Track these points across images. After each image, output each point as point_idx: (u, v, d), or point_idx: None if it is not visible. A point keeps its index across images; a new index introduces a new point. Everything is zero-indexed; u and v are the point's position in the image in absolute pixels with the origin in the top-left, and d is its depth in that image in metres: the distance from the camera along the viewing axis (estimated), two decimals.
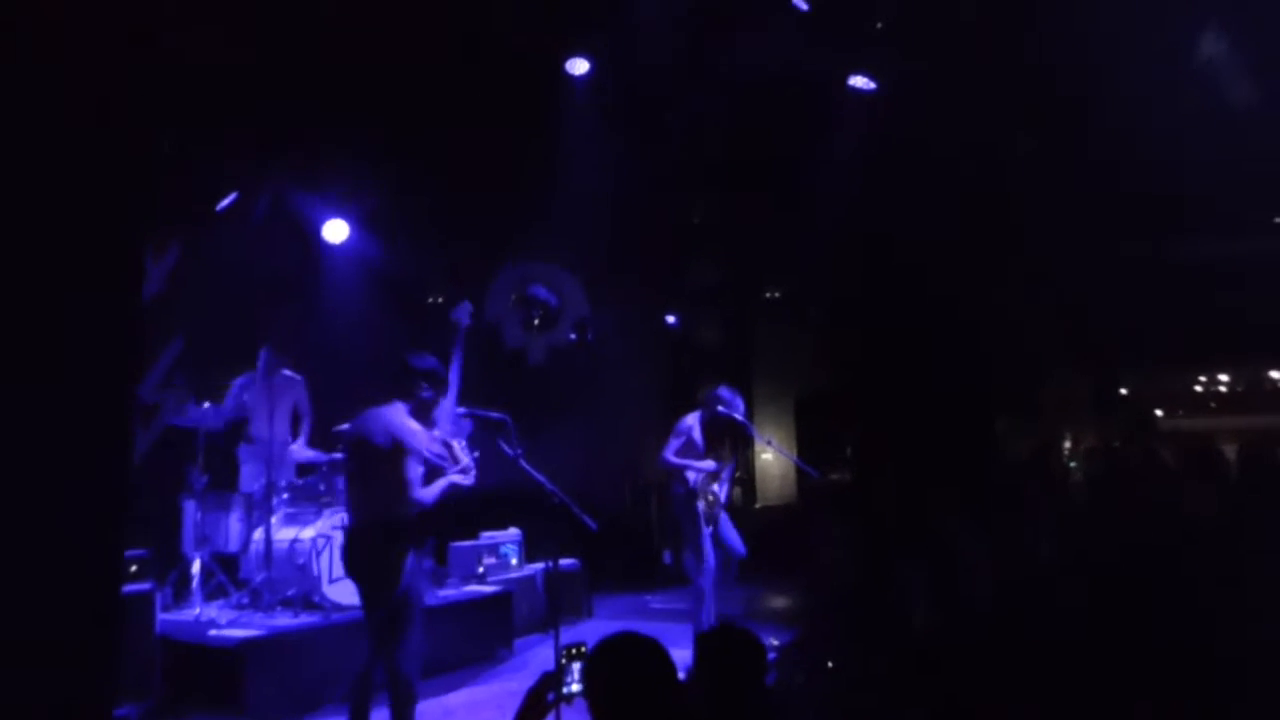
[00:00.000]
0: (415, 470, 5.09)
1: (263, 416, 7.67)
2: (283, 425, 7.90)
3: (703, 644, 3.06)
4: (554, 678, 3.16)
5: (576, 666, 3.14)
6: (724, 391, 7.58)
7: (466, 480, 5.24)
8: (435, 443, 5.16)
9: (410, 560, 5.02)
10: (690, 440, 7.58)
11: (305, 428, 8.12)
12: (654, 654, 2.77)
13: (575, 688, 3.11)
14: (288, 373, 8.02)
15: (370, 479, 5.06)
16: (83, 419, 3.60)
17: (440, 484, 5.16)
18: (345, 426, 7.38)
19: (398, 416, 5.11)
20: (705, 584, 7.31)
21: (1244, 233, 10.95)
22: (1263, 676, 3.85)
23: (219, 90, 7.61)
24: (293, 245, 9.12)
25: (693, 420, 7.65)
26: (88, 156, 3.65)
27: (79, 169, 3.60)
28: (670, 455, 7.55)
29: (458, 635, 7.37)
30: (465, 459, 5.23)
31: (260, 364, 7.86)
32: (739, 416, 7.77)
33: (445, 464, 5.18)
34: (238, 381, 7.88)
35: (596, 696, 2.77)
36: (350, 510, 5.25)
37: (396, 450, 5.02)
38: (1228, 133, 8.84)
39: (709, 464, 7.54)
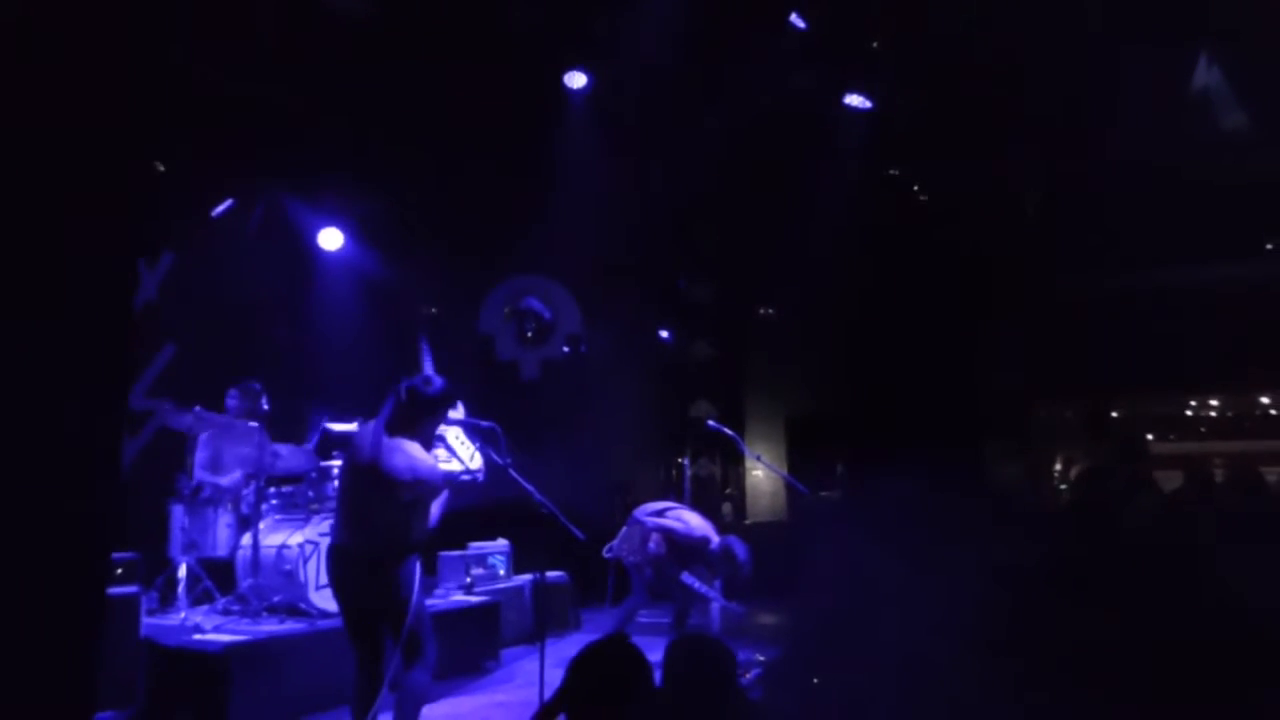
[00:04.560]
0: (437, 505, 5.07)
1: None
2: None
3: (670, 652, 3.13)
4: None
5: None
6: None
7: (476, 476, 5.16)
8: (444, 465, 5.06)
9: (420, 573, 4.99)
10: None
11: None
12: (633, 659, 2.81)
13: None
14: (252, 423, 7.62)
15: (388, 510, 4.89)
16: (73, 420, 3.60)
17: (441, 503, 5.12)
18: (340, 431, 7.37)
19: (420, 456, 4.94)
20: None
21: (1235, 257, 11.02)
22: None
23: (215, 99, 7.65)
24: (286, 255, 9.14)
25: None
26: (82, 159, 3.65)
27: (73, 171, 3.60)
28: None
29: (444, 645, 7.35)
30: (468, 450, 5.15)
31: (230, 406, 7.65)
32: (729, 432, 7.81)
33: (455, 475, 5.12)
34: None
35: (574, 696, 2.82)
36: (356, 532, 4.99)
37: (423, 488, 4.93)
38: (1218, 159, 8.92)
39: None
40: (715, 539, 7.17)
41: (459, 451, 5.11)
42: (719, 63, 9.01)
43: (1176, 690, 4.15)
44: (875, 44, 9.20)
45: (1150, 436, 13.98)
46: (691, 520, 7.25)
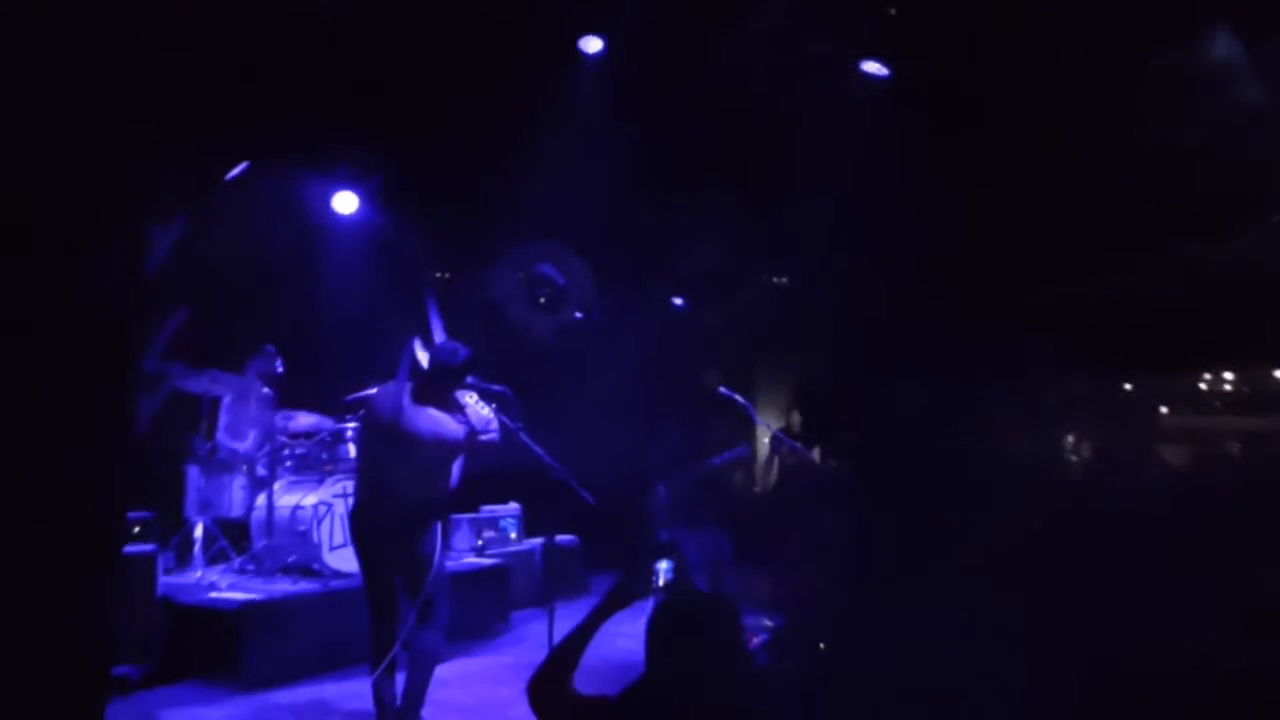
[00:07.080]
0: (457, 467, 5.21)
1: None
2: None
3: (660, 606, 2.79)
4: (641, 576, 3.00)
5: (664, 564, 3.04)
6: None
7: (493, 437, 5.23)
8: (466, 425, 5.13)
9: (440, 535, 5.06)
10: None
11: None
12: (729, 616, 2.74)
13: (661, 582, 2.99)
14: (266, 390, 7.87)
15: (410, 472, 4.99)
16: (86, 378, 3.65)
17: (460, 464, 5.24)
18: (360, 396, 7.44)
19: (443, 419, 5.02)
20: None
21: (1249, 232, 10.93)
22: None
23: (229, 62, 7.63)
24: (301, 218, 9.16)
25: None
26: (95, 119, 3.67)
27: (86, 132, 3.62)
28: None
29: (454, 607, 7.43)
30: (484, 414, 5.20)
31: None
32: (740, 399, 7.84)
33: (476, 434, 5.19)
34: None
35: (661, 646, 2.68)
36: (378, 494, 5.08)
37: (445, 450, 5.05)
38: (1232, 133, 8.85)
39: None
40: None
41: (475, 414, 5.17)
42: (734, 24, 8.94)
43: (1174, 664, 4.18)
44: (893, 10, 9.12)
45: (1164, 409, 13.94)
46: None
